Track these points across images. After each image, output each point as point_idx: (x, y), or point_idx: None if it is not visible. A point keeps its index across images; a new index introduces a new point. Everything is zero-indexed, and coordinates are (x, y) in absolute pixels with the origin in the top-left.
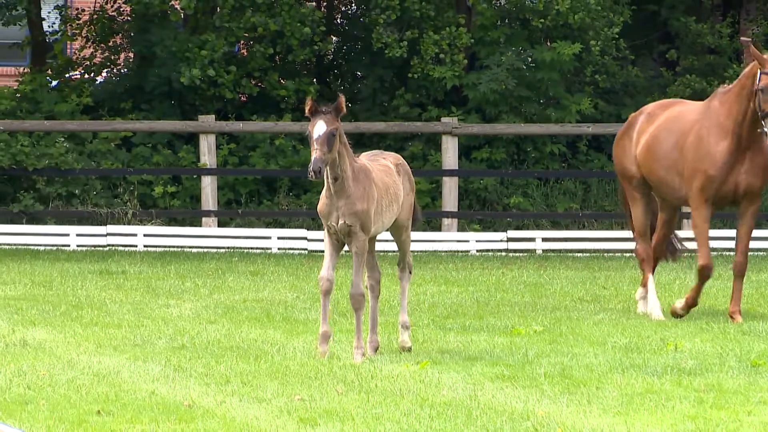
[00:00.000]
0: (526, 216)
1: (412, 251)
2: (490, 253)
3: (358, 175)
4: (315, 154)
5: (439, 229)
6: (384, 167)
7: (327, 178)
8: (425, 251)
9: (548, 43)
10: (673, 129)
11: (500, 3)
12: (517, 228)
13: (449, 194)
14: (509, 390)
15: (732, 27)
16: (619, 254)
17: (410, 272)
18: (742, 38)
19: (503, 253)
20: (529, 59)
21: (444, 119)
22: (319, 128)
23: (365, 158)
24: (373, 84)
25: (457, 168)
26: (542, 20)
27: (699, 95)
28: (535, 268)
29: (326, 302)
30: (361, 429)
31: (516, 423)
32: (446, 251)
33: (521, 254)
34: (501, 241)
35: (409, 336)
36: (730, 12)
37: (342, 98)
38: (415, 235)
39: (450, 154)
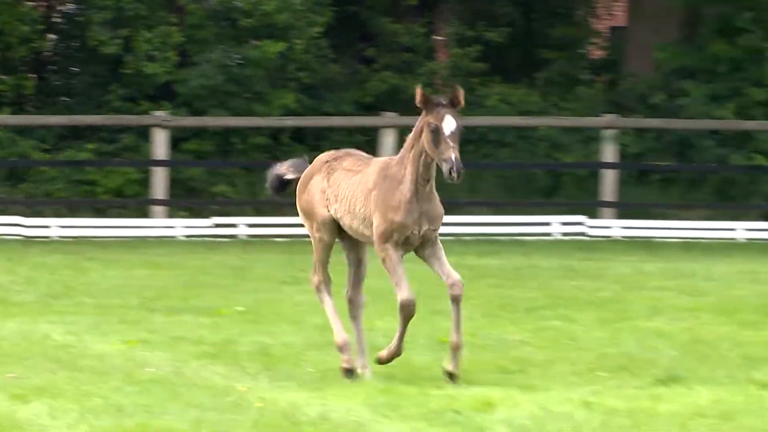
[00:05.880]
0: (231, 203)
1: (121, 237)
2: (196, 238)
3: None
4: (453, 152)
5: (149, 216)
6: None
7: (416, 181)
8: (135, 237)
9: (254, 42)
10: None
11: (209, 2)
12: (223, 215)
13: (159, 183)
14: (213, 367)
15: (426, 27)
16: None
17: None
18: None
19: (209, 238)
20: (237, 57)
21: (155, 113)
22: (450, 123)
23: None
24: (89, 79)
25: (167, 158)
26: (249, 20)
27: (395, 90)
28: (238, 252)
29: (407, 326)
30: (70, 404)
31: (218, 398)
32: (155, 236)
33: (226, 239)
34: (207, 227)
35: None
36: (425, 13)
37: (460, 89)
38: (124, 221)
39: (160, 146)
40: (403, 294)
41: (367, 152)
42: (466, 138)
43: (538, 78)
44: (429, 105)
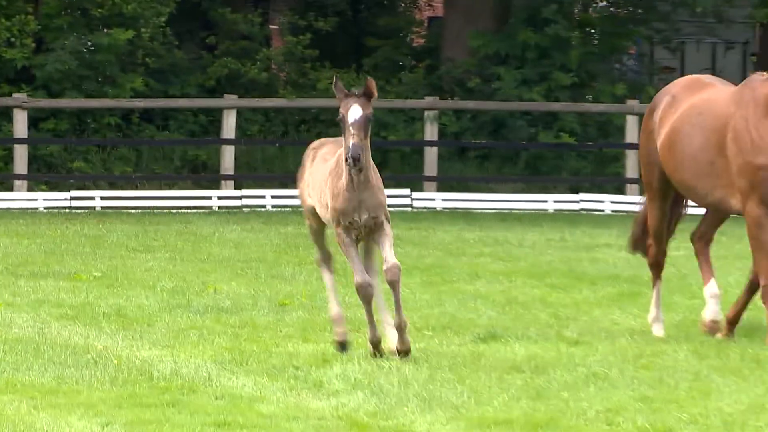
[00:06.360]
0: (87, 178)
1: None
2: (55, 210)
3: (372, 165)
4: (353, 139)
5: (11, 189)
6: None
7: (350, 170)
8: None
9: (105, 30)
10: (700, 123)
11: None
12: (80, 188)
13: (20, 160)
14: (72, 328)
15: (262, 17)
16: (167, 210)
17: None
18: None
19: (67, 210)
20: (89, 43)
21: (15, 95)
22: (354, 112)
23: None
24: None
25: (26, 137)
26: (100, 10)
27: (235, 75)
28: (94, 223)
29: (371, 308)
30: None
31: (78, 356)
32: (17, 208)
33: (83, 211)
34: (65, 199)
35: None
36: (260, 4)
37: (372, 81)
38: None
39: (20, 125)
40: (356, 277)
41: (214, 132)
42: (300, 118)
43: (365, 63)
44: (340, 96)
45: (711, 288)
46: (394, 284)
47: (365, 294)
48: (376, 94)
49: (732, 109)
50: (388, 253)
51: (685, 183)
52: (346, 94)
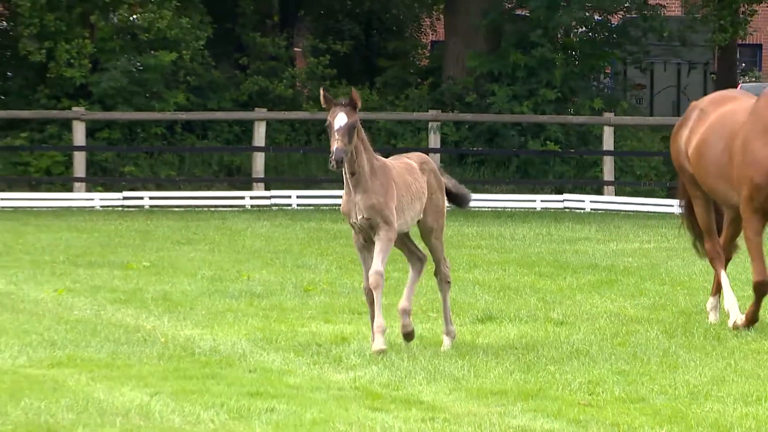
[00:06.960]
0: (137, 180)
1: (50, 207)
2: (110, 209)
3: (377, 171)
4: (336, 144)
5: (71, 190)
6: (406, 165)
7: (345, 173)
8: (61, 207)
9: (152, 52)
10: (722, 132)
11: (115, 20)
12: (131, 189)
13: (79, 165)
14: (125, 310)
15: (287, 40)
16: (206, 209)
17: (448, 282)
18: None
19: (120, 209)
20: (138, 64)
21: (74, 108)
22: (340, 119)
23: (390, 159)
24: (21, 82)
25: (85, 144)
26: (147, 35)
27: (264, 91)
28: (144, 219)
29: (373, 309)
30: (12, 340)
31: (130, 334)
32: (77, 207)
33: (134, 209)
34: (118, 199)
35: (452, 341)
36: (285, 29)
37: (356, 93)
38: (52, 195)
39: (79, 135)
40: (364, 282)
41: (247, 141)
42: (321, 129)
43: (377, 81)
44: (328, 104)
45: (711, 302)
46: (375, 289)
47: (368, 298)
48: (359, 103)
49: (747, 117)
50: (375, 260)
51: (711, 187)
52: (334, 104)
